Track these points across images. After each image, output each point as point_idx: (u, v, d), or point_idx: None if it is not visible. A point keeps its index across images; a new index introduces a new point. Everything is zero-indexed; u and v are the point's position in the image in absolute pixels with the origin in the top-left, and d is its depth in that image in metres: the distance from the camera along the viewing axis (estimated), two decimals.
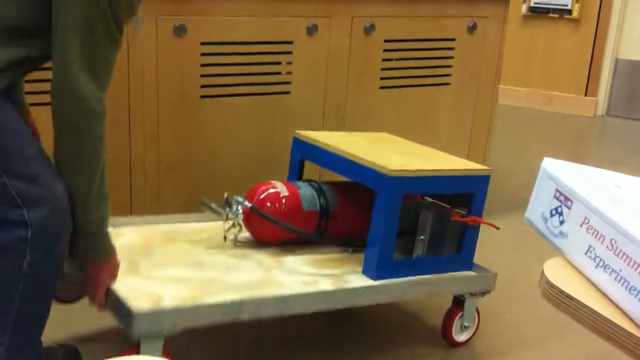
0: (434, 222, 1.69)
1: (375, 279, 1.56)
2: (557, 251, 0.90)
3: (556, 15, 4.48)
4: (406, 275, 1.60)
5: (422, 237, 1.68)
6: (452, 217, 1.69)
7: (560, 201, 0.90)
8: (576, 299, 0.83)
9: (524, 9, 4.56)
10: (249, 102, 2.10)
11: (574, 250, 0.88)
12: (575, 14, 4.41)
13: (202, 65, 2.00)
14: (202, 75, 2.01)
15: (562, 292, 0.85)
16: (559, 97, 4.54)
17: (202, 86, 2.02)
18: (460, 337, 1.74)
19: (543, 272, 0.90)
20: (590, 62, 4.47)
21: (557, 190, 0.90)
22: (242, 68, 2.08)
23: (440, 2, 2.37)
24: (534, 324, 1.90)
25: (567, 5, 4.43)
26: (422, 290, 1.64)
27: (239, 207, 1.59)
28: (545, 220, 0.92)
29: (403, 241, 1.73)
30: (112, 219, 1.65)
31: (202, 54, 2.00)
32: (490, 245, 2.40)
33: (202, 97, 2.03)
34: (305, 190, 1.68)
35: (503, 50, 2.57)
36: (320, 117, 2.24)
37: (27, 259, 1.17)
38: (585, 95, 4.50)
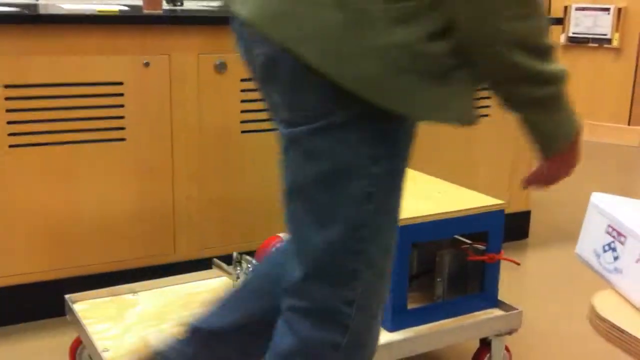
0: (452, 263, 1.64)
1: (391, 330, 1.53)
2: (612, 287, 0.88)
3: (596, 45, 4.43)
4: (426, 322, 1.56)
5: (439, 279, 1.65)
6: (469, 257, 1.64)
7: (613, 237, 0.88)
8: (628, 332, 0.81)
9: (562, 38, 4.52)
10: None
11: (630, 286, 0.85)
12: (615, 42, 4.36)
13: (243, 101, 2.03)
14: (243, 111, 2.03)
15: (613, 325, 0.82)
16: (601, 127, 4.47)
17: (243, 121, 2.04)
18: None
19: (592, 305, 0.88)
20: (633, 90, 4.39)
21: (609, 226, 0.88)
22: None
23: None
24: (586, 359, 1.84)
25: (606, 35, 4.38)
26: (442, 340, 1.58)
27: (249, 266, 1.59)
28: (598, 256, 0.90)
29: (425, 283, 1.69)
30: (130, 286, 1.68)
31: (242, 90, 2.02)
32: (534, 279, 2.35)
33: (243, 132, 2.04)
34: None
35: None
36: None
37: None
38: (629, 124, 4.41)
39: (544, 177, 1.03)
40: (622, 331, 0.78)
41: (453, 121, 0.96)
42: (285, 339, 1.02)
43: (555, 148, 0.98)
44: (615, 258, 0.87)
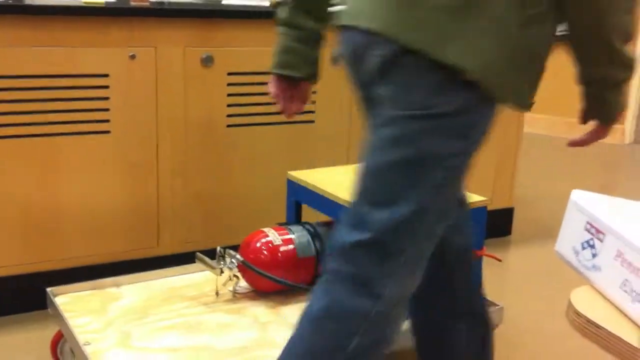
0: None
1: None
2: (591, 284, 0.89)
3: None
4: (408, 317, 1.58)
5: None
6: None
7: (592, 234, 0.89)
8: (604, 328, 0.82)
9: None
10: (275, 131, 2.12)
11: (608, 283, 0.86)
12: None
13: (229, 95, 2.03)
14: (229, 105, 2.03)
15: (589, 320, 0.84)
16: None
17: (229, 115, 2.04)
18: None
19: (570, 301, 0.89)
20: None
21: (588, 223, 0.89)
22: (268, 97, 2.08)
23: None
24: (567, 355, 1.86)
25: None
26: None
27: (233, 260, 1.59)
28: (577, 253, 0.90)
29: None
30: (113, 279, 1.67)
31: (229, 84, 2.02)
32: (516, 275, 2.37)
33: (229, 125, 2.04)
34: (299, 236, 1.66)
35: None
36: (345, 144, 2.25)
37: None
38: None
39: (587, 140, 1.23)
40: (599, 327, 0.80)
41: (526, 108, 1.11)
42: (319, 301, 1.08)
43: (612, 118, 1.17)
44: (594, 255, 0.88)
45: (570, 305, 0.85)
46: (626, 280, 0.83)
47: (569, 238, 0.93)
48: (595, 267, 0.88)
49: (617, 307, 0.85)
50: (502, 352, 1.84)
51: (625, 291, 0.83)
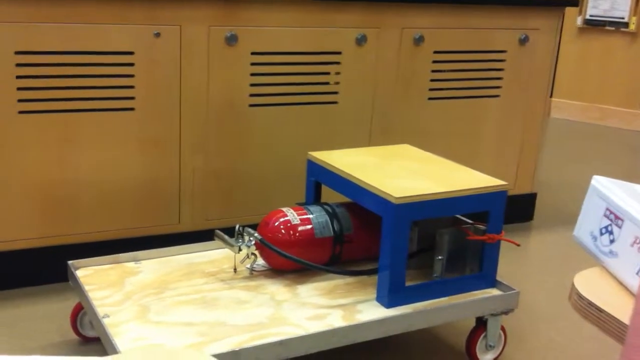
0: (452, 242, 1.65)
1: (388, 306, 1.54)
2: (608, 270, 0.88)
3: (612, 28, 4.38)
4: (423, 300, 1.58)
5: (440, 257, 1.65)
6: (469, 236, 1.65)
7: (611, 220, 0.88)
8: (605, 311, 0.82)
9: (579, 21, 4.47)
10: (297, 111, 2.12)
11: (624, 269, 0.86)
12: (632, 27, 4.31)
13: (252, 75, 2.03)
14: (252, 85, 2.03)
15: (591, 303, 0.84)
16: (613, 111, 4.43)
17: (251, 95, 2.04)
18: (486, 357, 1.70)
19: (573, 284, 0.89)
20: None
21: (607, 209, 0.88)
22: (291, 77, 2.09)
23: (491, 14, 2.35)
24: (581, 342, 1.85)
25: (623, 18, 4.32)
26: (439, 318, 1.59)
27: (251, 238, 1.60)
28: (595, 238, 0.90)
29: (425, 259, 1.70)
30: (133, 254, 1.70)
31: (252, 64, 2.02)
32: (536, 261, 2.36)
33: (251, 105, 2.05)
34: (318, 216, 1.66)
35: (555, 63, 2.53)
36: (368, 127, 2.24)
37: None
38: None
39: None
40: (600, 309, 0.79)
41: None
42: None
43: None
44: (612, 241, 0.87)
45: (573, 287, 0.84)
46: None
47: (587, 223, 0.92)
48: (612, 253, 0.87)
49: (631, 293, 0.85)
50: (517, 336, 1.84)
51: None
